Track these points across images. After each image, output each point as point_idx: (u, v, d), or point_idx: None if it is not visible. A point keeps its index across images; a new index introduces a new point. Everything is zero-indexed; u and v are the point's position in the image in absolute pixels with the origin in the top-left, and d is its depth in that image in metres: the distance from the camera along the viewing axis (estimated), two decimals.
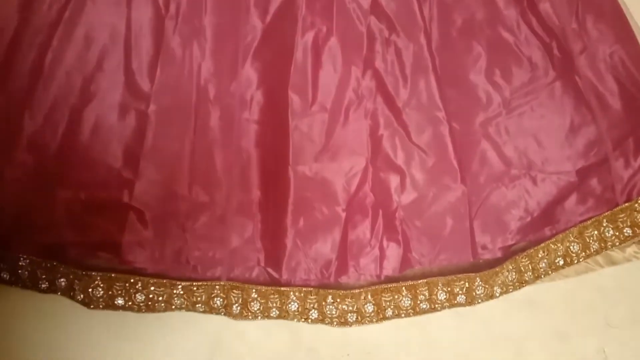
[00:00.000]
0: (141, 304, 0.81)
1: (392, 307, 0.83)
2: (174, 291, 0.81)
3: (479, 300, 0.84)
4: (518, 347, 0.87)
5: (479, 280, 0.83)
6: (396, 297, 0.82)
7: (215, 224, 0.78)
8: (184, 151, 0.81)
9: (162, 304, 0.81)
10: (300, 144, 0.77)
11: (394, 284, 0.82)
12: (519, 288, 0.86)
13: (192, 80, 0.82)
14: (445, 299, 0.83)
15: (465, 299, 0.84)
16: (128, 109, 0.81)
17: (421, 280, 0.83)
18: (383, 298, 0.82)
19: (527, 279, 0.86)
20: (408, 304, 0.83)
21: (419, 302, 0.83)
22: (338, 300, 0.81)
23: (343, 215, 0.81)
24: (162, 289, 0.81)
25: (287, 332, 0.86)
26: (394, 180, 0.80)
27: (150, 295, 0.81)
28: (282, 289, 0.80)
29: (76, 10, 0.81)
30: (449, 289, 0.83)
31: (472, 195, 0.84)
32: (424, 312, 0.84)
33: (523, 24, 0.86)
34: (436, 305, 0.83)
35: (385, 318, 0.83)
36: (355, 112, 0.79)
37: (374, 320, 0.83)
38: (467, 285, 0.83)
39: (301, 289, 0.79)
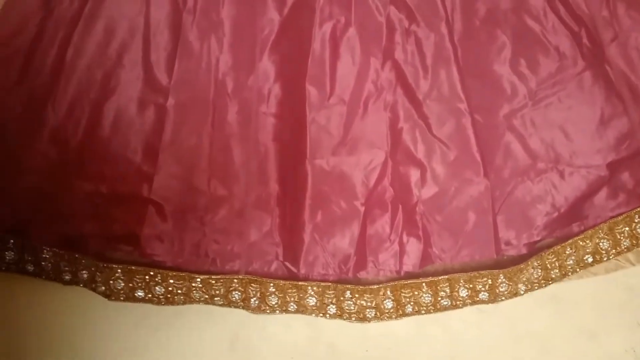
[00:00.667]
0: (160, 297, 0.82)
1: (411, 303, 0.81)
2: (193, 284, 0.81)
3: (502, 298, 0.82)
4: (542, 345, 0.85)
5: (502, 277, 0.81)
6: (416, 293, 0.81)
7: (234, 218, 0.78)
8: (202, 145, 0.81)
9: (181, 297, 0.82)
10: (317, 137, 0.76)
11: (414, 280, 0.81)
12: (545, 286, 0.83)
13: (210, 74, 0.81)
14: (467, 295, 0.81)
15: (488, 296, 0.81)
16: (147, 103, 0.81)
17: (442, 277, 0.81)
18: (402, 294, 0.81)
19: (553, 276, 0.83)
20: (428, 301, 0.81)
21: (439, 298, 0.81)
22: (357, 295, 0.80)
23: (362, 209, 0.80)
24: (181, 282, 0.81)
25: (306, 327, 0.85)
26: (414, 174, 0.78)
27: (170, 288, 0.81)
28: (300, 283, 0.79)
29: (96, 4, 0.82)
30: (470, 285, 0.81)
31: (496, 190, 0.82)
32: (445, 308, 0.82)
33: (550, 12, 0.83)
34: (457, 302, 0.81)
35: (404, 314, 0.81)
36: (374, 105, 0.77)
37: (393, 316, 0.81)
38: (489, 282, 0.81)
39: (319, 284, 0.79)
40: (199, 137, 0.78)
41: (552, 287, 0.84)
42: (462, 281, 0.81)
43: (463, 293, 0.81)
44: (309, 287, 0.80)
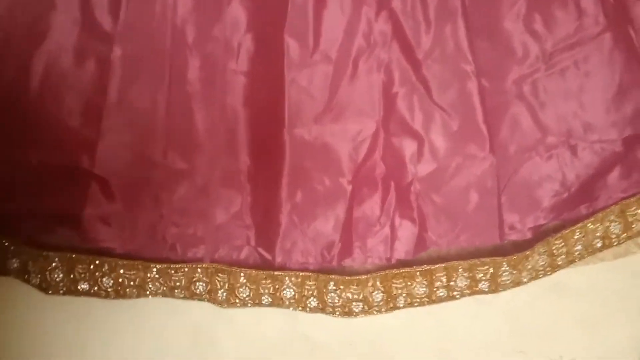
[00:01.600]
0: (109, 290, 0.69)
1: (404, 295, 0.71)
2: (148, 274, 0.69)
3: (504, 288, 0.73)
4: (543, 335, 0.77)
5: (505, 266, 0.72)
6: (409, 283, 0.71)
7: (196, 196, 0.68)
8: (157, 108, 0.67)
9: (134, 290, 0.69)
10: (298, 101, 0.65)
11: (407, 269, 0.71)
12: (550, 274, 0.75)
13: (165, 20, 0.67)
14: (465, 285, 0.72)
15: (489, 286, 0.72)
16: (86, 54, 0.66)
17: (439, 265, 0.71)
18: (394, 285, 0.71)
19: (559, 263, 0.74)
20: (423, 292, 0.72)
21: (435, 289, 0.72)
22: (341, 287, 0.70)
23: (348, 188, 0.68)
24: (133, 272, 0.69)
25: (280, 319, 0.74)
26: (409, 147, 0.68)
27: (120, 280, 0.69)
28: (276, 273, 0.69)
29: None
30: (470, 274, 0.72)
31: (500, 167, 0.71)
32: (441, 300, 0.73)
33: None
34: (455, 293, 0.72)
35: (396, 307, 0.72)
36: (365, 64, 0.65)
37: (383, 309, 0.71)
38: (491, 270, 0.72)
39: (298, 274, 0.69)
40: (152, 98, 0.65)
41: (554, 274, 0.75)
42: (460, 269, 0.71)
43: (461, 283, 0.72)
44: (286, 278, 0.69)
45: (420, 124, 0.70)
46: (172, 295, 0.71)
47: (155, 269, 0.68)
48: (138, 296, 0.71)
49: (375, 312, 0.72)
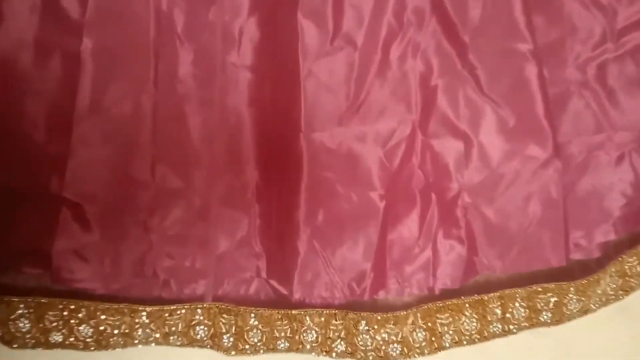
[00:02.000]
0: (88, 340, 0.56)
1: (450, 332, 0.58)
2: (137, 320, 0.56)
3: (569, 318, 0.60)
4: None
5: (573, 292, 0.58)
6: (457, 318, 0.58)
7: (194, 220, 0.58)
8: (140, 113, 0.55)
9: (120, 339, 0.56)
10: (316, 99, 0.55)
11: (454, 300, 0.59)
12: (622, 298, 0.62)
13: (148, 3, 0.53)
14: (524, 317, 0.59)
15: (552, 316, 0.60)
16: (50, 48, 0.53)
17: (492, 294, 0.58)
18: (439, 320, 0.58)
19: (633, 284, 0.61)
20: (473, 327, 0.59)
21: (487, 323, 0.59)
22: (375, 326, 0.57)
23: (381, 204, 0.56)
24: (118, 317, 0.56)
25: None
26: (454, 151, 0.57)
27: (102, 327, 0.56)
28: (294, 312, 0.57)
29: None
30: (530, 303, 0.59)
31: (562, 172, 0.58)
32: (494, 336, 0.60)
33: None
34: (512, 327, 0.59)
35: (441, 348, 0.59)
36: (397, 49, 0.53)
37: (426, 351, 0.59)
38: (555, 299, 0.59)
39: (321, 312, 0.57)
40: (134, 101, 0.55)
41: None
42: (519, 299, 0.58)
43: (519, 314, 0.59)
44: (307, 317, 0.57)
45: (467, 121, 0.57)
46: (167, 343, 0.58)
47: (144, 313, 0.57)
48: (125, 346, 0.58)
49: (416, 355, 0.59)
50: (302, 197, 0.55)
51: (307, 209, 0.55)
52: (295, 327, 0.57)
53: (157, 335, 0.57)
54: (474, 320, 0.59)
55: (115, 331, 0.56)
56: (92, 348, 0.57)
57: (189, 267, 0.57)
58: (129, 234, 0.56)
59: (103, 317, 0.56)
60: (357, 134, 0.56)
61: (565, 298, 0.60)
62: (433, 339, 0.58)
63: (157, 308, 0.57)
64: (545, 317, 0.60)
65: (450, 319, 0.59)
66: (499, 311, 0.59)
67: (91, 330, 0.56)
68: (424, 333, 0.58)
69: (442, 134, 0.57)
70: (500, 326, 0.60)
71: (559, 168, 0.57)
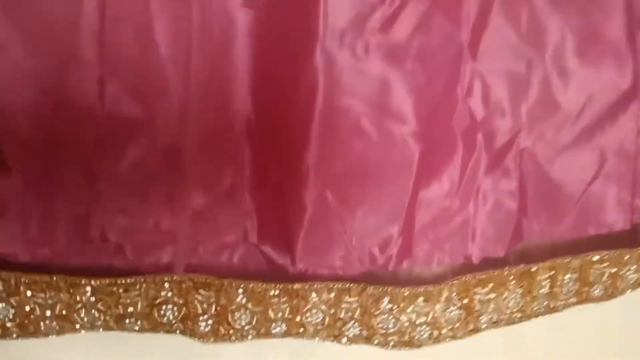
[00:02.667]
0: (9, 325, 0.41)
1: (490, 310, 0.46)
2: (78, 297, 0.41)
3: (622, 292, 0.50)
4: None
5: (633, 261, 0.48)
6: (499, 293, 0.46)
7: (158, 164, 0.42)
8: (80, 7, 0.37)
9: (54, 323, 0.41)
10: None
11: (497, 272, 0.46)
12: None
13: None
14: (573, 292, 0.48)
15: (604, 291, 0.49)
16: None
17: (542, 264, 0.46)
18: (477, 296, 0.46)
19: None
20: (515, 304, 0.47)
21: (533, 299, 0.47)
22: (401, 304, 0.44)
23: (416, 148, 0.41)
24: (50, 293, 0.40)
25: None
26: (511, 81, 0.42)
27: (28, 307, 0.40)
28: (296, 286, 0.43)
29: None
30: (582, 275, 0.48)
31: None
32: (537, 314, 0.49)
33: None
34: (558, 304, 0.48)
35: (476, 329, 0.47)
36: None
37: (459, 334, 0.47)
38: (612, 269, 0.48)
39: (332, 286, 0.44)
40: None
41: None
42: (571, 270, 0.47)
43: (569, 288, 0.47)
44: (314, 293, 0.43)
45: (530, 42, 0.43)
46: (121, 328, 0.43)
47: (89, 288, 0.41)
48: (61, 332, 0.42)
49: (447, 339, 0.47)
50: (314, 133, 0.40)
51: (319, 149, 0.40)
52: (297, 306, 0.44)
53: (107, 318, 0.42)
54: (518, 295, 0.48)
55: (48, 312, 0.41)
56: (15, 335, 0.41)
57: (151, 227, 0.42)
58: (66, 181, 0.40)
59: (29, 293, 0.40)
60: (389, 50, 0.41)
61: (624, 269, 0.49)
62: (469, 319, 0.47)
63: (108, 281, 0.41)
64: (598, 291, 0.50)
65: (492, 295, 0.47)
66: (547, 284, 0.48)
67: (12, 311, 0.40)
68: (458, 312, 0.46)
69: (498, 59, 0.43)
70: (545, 303, 0.49)
71: (635, 109, 0.45)
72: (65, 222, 0.40)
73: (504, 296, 0.47)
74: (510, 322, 0.48)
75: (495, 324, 0.48)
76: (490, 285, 0.46)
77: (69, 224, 0.40)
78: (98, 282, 0.41)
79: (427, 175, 0.44)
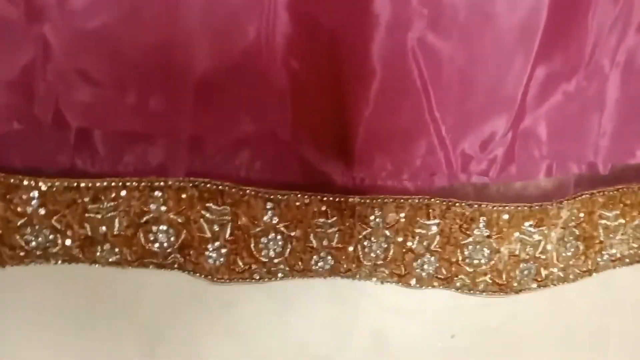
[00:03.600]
0: None
1: (616, 240, 0.33)
2: (20, 208, 0.26)
3: None
4: None
5: None
6: (629, 217, 0.33)
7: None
8: None
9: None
10: None
11: (627, 187, 0.32)
12: None
13: None
14: None
15: None
16: None
17: None
18: (602, 221, 0.33)
19: None
20: None
21: None
22: (503, 228, 0.30)
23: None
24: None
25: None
26: None
27: None
28: (351, 200, 0.30)
29: None
30: None
31: None
32: None
33: None
34: None
35: (595, 268, 0.35)
36: None
37: (571, 275, 0.33)
38: None
39: (402, 202, 0.30)
40: None
41: None
42: None
43: None
44: (375, 211, 0.29)
45: None
46: (90, 258, 0.29)
47: (36, 192, 0.28)
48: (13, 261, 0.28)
49: (555, 283, 0.33)
50: None
51: None
52: (350, 230, 0.30)
53: (69, 243, 0.28)
54: None
55: None
56: None
57: (132, 104, 0.27)
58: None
59: None
60: None
61: None
62: (588, 253, 0.33)
63: (66, 183, 0.27)
64: None
65: (621, 220, 0.33)
66: None
67: None
68: (575, 243, 0.32)
69: None
70: None
71: None
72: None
73: (635, 222, 0.33)
74: (635, 259, 0.35)
75: (615, 262, 0.34)
76: (622, 206, 0.33)
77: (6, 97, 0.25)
78: (49, 185, 0.26)
79: (547, 53, 0.29)
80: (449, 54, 0.27)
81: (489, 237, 0.31)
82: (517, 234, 0.31)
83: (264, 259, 0.30)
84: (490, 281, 0.32)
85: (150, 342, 0.36)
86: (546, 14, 0.28)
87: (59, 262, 0.29)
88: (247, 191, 0.28)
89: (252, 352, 0.38)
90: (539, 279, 0.33)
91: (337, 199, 0.29)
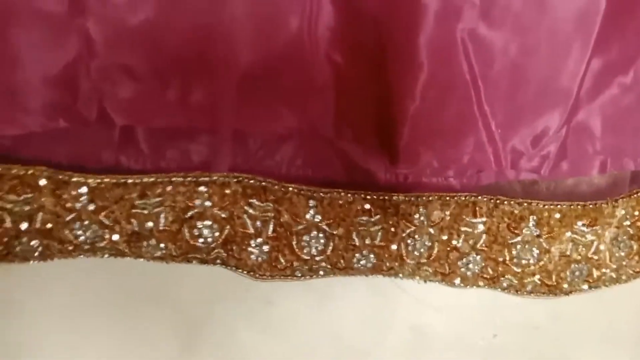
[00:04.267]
0: None
1: None
2: (69, 203, 0.27)
3: None
4: None
5: None
6: None
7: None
8: None
9: (35, 241, 0.27)
10: None
11: None
12: None
13: None
14: None
15: None
16: None
17: None
18: None
19: None
20: None
21: None
22: (554, 228, 0.29)
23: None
24: (27, 196, 0.25)
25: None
26: None
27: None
28: (395, 198, 0.29)
29: None
30: None
31: None
32: None
33: None
34: None
35: None
36: None
37: (624, 276, 0.32)
38: None
39: (447, 199, 0.30)
40: None
41: None
42: None
43: None
44: (420, 209, 0.28)
45: None
46: (137, 253, 0.29)
47: (85, 188, 0.28)
48: (46, 256, 0.29)
49: (607, 284, 0.32)
50: None
51: None
52: (394, 228, 0.29)
53: (116, 238, 0.28)
54: None
55: (24, 225, 0.27)
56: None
57: (174, 101, 0.27)
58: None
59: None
60: None
61: None
62: None
63: (114, 181, 0.27)
64: None
65: None
66: None
67: None
68: (629, 243, 0.31)
69: None
70: None
71: None
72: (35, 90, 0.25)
73: None
74: None
75: None
76: None
77: (44, 95, 0.25)
78: (99, 181, 0.27)
79: (605, 37, 0.28)
80: (501, 45, 0.26)
81: (538, 236, 0.29)
82: (568, 234, 0.30)
83: (305, 257, 0.29)
84: (539, 282, 0.31)
85: (190, 337, 0.37)
86: (605, 2, 0.27)
87: (106, 255, 0.30)
88: (290, 188, 0.28)
89: (291, 347, 0.38)
90: (591, 280, 0.31)
91: (381, 197, 0.29)
